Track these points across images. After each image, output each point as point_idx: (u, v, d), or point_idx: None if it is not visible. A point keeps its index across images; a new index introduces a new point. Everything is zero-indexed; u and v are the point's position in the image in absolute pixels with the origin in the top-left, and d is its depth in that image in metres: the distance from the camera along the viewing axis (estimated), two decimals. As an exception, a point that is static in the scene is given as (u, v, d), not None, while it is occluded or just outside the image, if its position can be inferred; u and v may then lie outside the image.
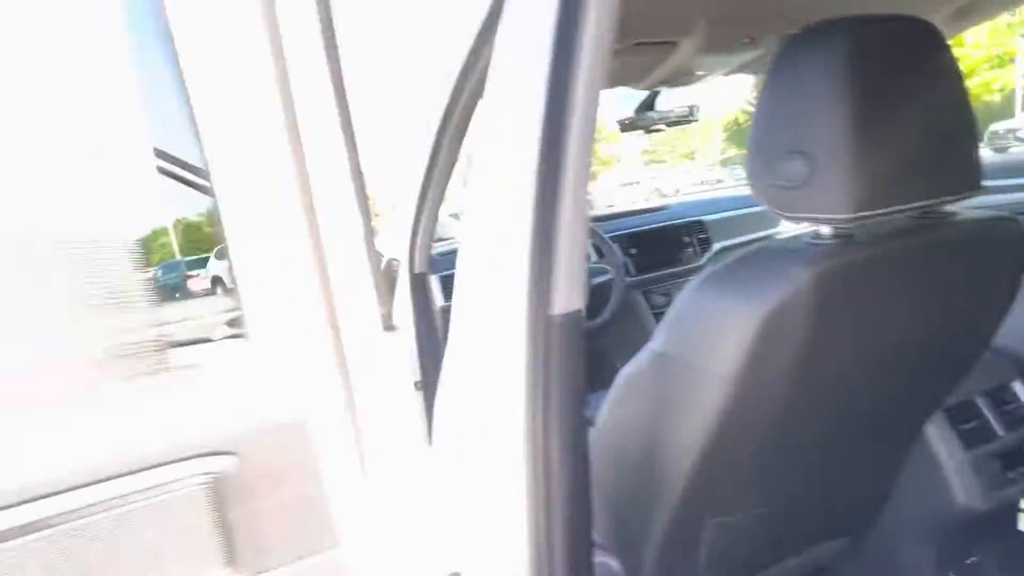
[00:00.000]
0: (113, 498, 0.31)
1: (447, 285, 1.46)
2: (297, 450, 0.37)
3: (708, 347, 0.61)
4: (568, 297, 0.56)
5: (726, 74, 1.83)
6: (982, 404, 0.99)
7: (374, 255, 0.45)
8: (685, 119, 1.63)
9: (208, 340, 0.39)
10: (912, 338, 0.69)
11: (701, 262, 1.98)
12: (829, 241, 0.58)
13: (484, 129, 0.61)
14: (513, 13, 0.57)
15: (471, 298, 0.62)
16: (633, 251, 1.86)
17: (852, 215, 0.52)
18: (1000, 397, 1.01)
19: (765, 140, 0.60)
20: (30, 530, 0.29)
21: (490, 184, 0.63)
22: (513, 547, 0.63)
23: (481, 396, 0.64)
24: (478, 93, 0.65)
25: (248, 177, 0.37)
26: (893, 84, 0.53)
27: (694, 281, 0.65)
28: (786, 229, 2.09)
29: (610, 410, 0.78)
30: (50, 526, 0.29)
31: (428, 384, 0.68)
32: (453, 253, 1.41)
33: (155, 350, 0.36)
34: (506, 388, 0.59)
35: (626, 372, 0.75)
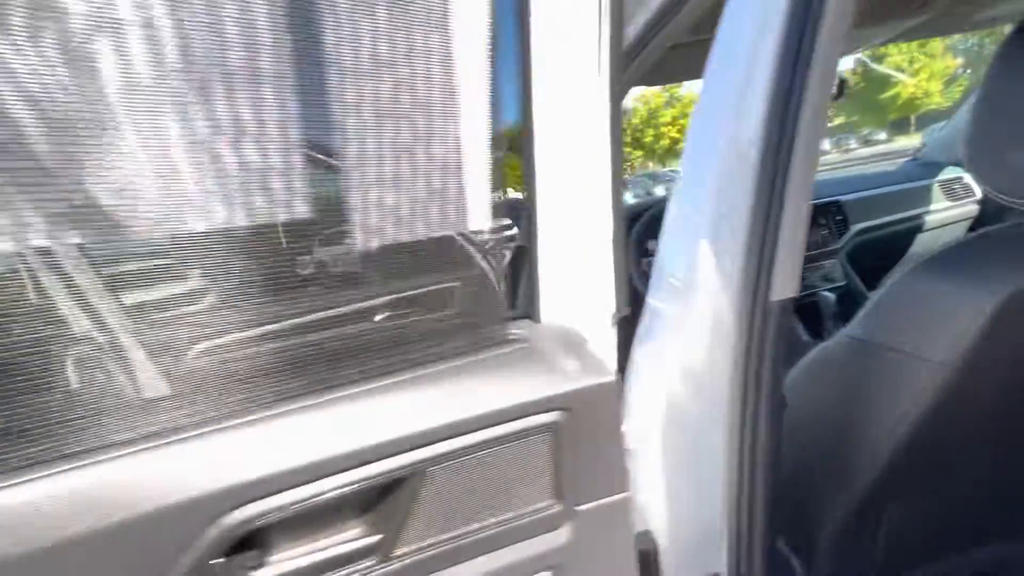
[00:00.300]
0: (478, 443, 0.41)
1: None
2: (607, 407, 0.45)
3: (925, 333, 0.61)
4: (786, 284, 0.60)
5: (882, 43, 1.70)
6: None
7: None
8: (834, 97, 1.54)
9: (527, 317, 0.47)
10: None
11: (838, 244, 1.88)
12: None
13: (700, 107, 0.65)
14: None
15: (677, 279, 0.67)
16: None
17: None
18: None
19: (1000, 127, 0.59)
20: (427, 464, 0.39)
21: (703, 164, 0.66)
22: (709, 518, 0.69)
23: (685, 374, 0.69)
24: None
25: (564, 179, 0.45)
26: None
27: (903, 269, 0.65)
28: (943, 208, 1.91)
29: (792, 394, 0.80)
30: (436, 464, 0.39)
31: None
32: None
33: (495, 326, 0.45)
34: (713, 367, 0.64)
35: (812, 358, 0.77)
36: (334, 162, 0.35)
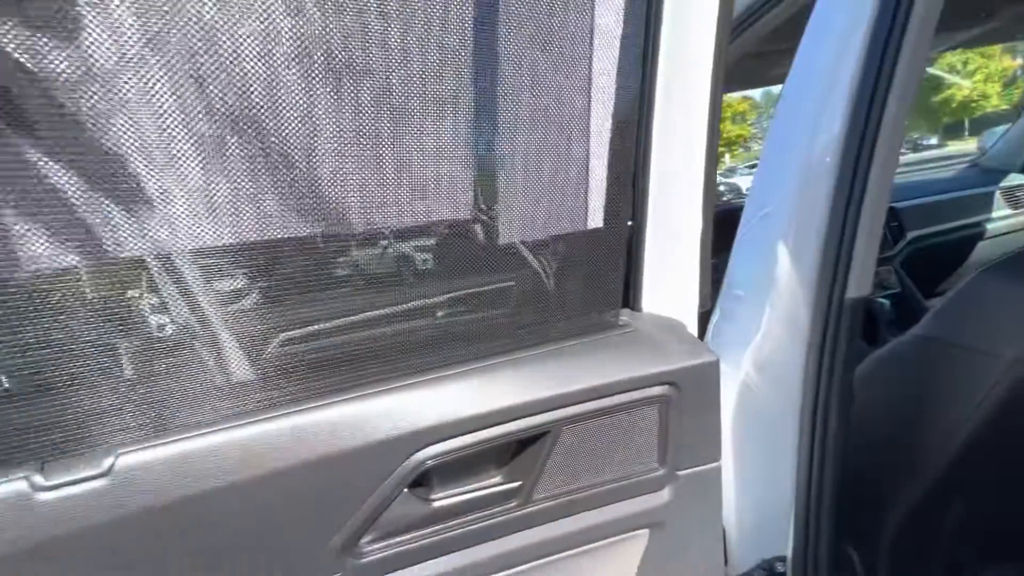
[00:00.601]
0: (601, 409, 0.47)
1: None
2: (708, 385, 0.51)
3: (998, 331, 0.65)
4: (861, 284, 0.64)
5: (944, 50, 1.69)
6: None
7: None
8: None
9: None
10: None
11: (893, 252, 1.87)
12: None
13: (779, 117, 0.71)
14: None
15: (761, 276, 0.72)
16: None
17: None
18: None
19: None
20: (560, 424, 0.46)
21: (780, 174, 0.72)
22: (778, 503, 0.74)
23: (760, 375, 0.74)
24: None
25: (666, 192, 0.52)
26: None
27: (979, 271, 0.69)
28: (1005, 216, 1.88)
29: (861, 390, 0.84)
30: (567, 424, 0.46)
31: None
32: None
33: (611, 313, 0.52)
34: (788, 360, 0.69)
35: (881, 355, 0.80)
36: (499, 171, 0.43)
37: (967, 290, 0.69)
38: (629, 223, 0.50)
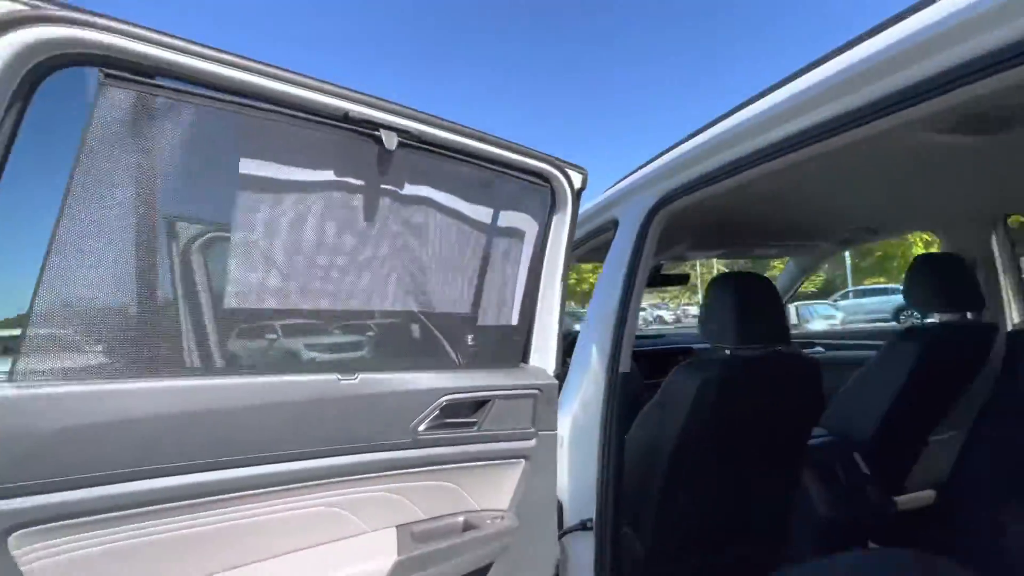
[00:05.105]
0: (508, 394, 1.17)
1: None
2: (552, 392, 1.23)
3: (676, 398, 1.46)
4: (624, 366, 1.42)
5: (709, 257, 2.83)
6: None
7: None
8: (684, 279, 2.63)
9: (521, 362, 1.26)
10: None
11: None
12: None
13: (598, 287, 1.54)
14: (616, 247, 1.52)
15: (583, 365, 1.49)
16: (642, 362, 2.74)
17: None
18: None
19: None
20: (499, 395, 1.15)
21: (598, 318, 1.53)
22: (589, 485, 1.42)
23: (582, 411, 1.47)
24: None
25: (542, 314, 1.29)
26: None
27: (674, 370, 1.51)
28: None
29: (633, 428, 1.61)
30: (501, 398, 1.15)
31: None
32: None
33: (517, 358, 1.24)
34: (594, 406, 1.42)
35: (642, 412, 1.59)
36: (479, 299, 1.16)
37: (668, 381, 1.51)
38: (528, 324, 1.25)
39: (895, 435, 1.84)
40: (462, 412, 1.11)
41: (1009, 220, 1.95)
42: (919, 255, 1.83)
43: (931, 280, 1.77)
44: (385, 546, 1.00)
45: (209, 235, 0.84)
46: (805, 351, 3.07)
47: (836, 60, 0.91)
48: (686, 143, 1.37)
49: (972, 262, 1.98)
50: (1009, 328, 1.95)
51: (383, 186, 0.99)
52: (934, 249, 2.26)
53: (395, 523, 1.04)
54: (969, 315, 1.85)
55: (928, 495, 1.97)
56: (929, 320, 2.04)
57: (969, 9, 0.68)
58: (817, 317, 3.90)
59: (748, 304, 1.41)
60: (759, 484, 1.66)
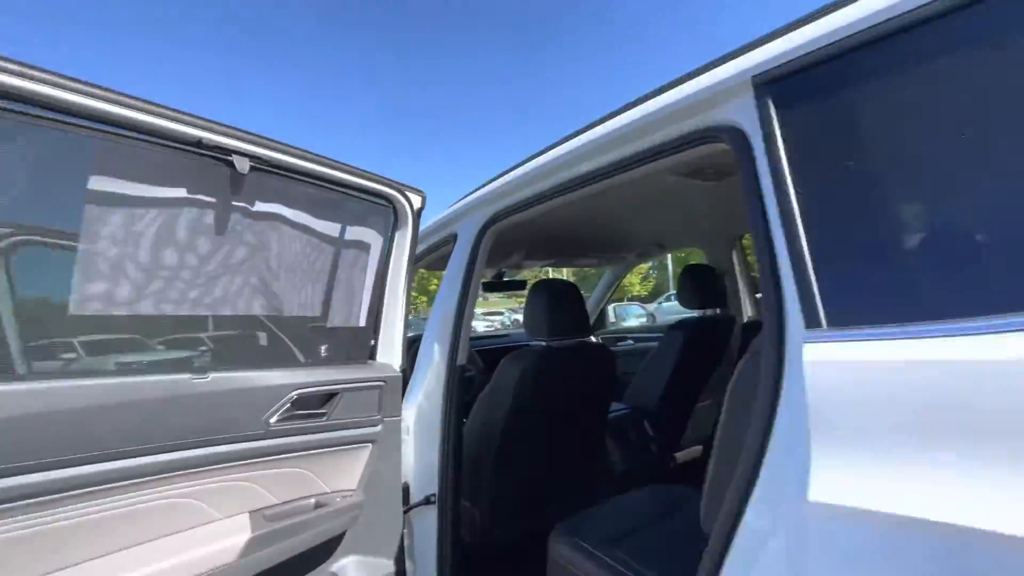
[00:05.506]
0: (355, 386, 1.35)
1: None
2: (397, 383, 1.43)
3: (504, 383, 1.76)
4: (461, 359, 1.67)
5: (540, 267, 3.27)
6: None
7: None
8: (522, 285, 3.00)
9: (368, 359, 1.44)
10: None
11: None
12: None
13: (440, 292, 1.77)
14: (455, 257, 1.77)
15: (427, 361, 1.71)
16: (487, 359, 3.06)
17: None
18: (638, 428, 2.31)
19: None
20: (344, 388, 1.33)
21: (439, 319, 1.76)
22: (432, 466, 1.64)
23: (426, 400, 1.69)
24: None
25: (389, 314, 1.49)
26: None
27: (503, 361, 1.82)
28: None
29: (472, 414, 1.88)
30: (347, 390, 1.33)
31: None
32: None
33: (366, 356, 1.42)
34: (436, 396, 1.64)
35: (479, 398, 1.87)
36: (334, 301, 1.33)
37: (500, 368, 1.81)
38: (375, 326, 1.43)
39: (672, 404, 2.40)
40: (312, 404, 1.26)
41: (743, 239, 2.66)
42: (685, 266, 2.41)
43: (692, 284, 2.35)
44: (240, 527, 1.10)
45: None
46: (619, 343, 3.69)
47: (613, 120, 1.23)
48: (511, 172, 1.68)
49: (722, 271, 2.65)
50: (745, 320, 2.66)
51: (236, 203, 1.10)
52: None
53: (249, 509, 1.15)
54: (718, 311, 2.48)
55: (697, 450, 2.57)
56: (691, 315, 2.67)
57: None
58: (631, 316, 4.72)
59: (557, 304, 1.76)
60: (571, 451, 2.04)
